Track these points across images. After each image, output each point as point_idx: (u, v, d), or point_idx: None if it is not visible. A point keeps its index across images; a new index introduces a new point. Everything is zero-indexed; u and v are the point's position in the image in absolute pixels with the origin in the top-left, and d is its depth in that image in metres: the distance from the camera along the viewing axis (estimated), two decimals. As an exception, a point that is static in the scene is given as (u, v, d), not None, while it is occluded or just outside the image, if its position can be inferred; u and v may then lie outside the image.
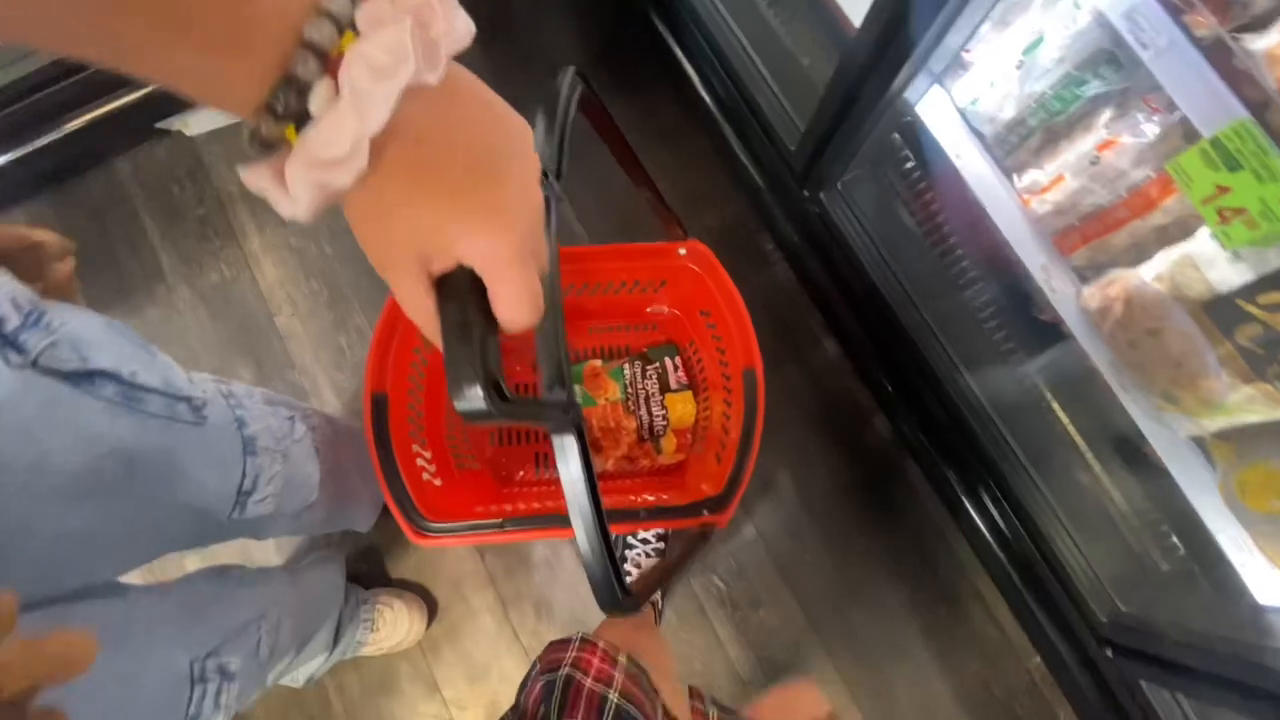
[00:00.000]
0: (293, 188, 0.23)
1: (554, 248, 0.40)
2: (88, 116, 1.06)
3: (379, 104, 0.22)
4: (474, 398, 0.28)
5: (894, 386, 1.09)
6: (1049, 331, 0.91)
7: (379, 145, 0.23)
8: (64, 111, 1.06)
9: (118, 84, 1.06)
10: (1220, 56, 0.59)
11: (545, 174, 0.43)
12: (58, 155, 1.09)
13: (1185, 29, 0.60)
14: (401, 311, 0.81)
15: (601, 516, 0.38)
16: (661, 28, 1.21)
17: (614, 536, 1.10)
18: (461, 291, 0.29)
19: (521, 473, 0.99)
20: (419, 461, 0.80)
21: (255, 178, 0.24)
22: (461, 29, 0.25)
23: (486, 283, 0.29)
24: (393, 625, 1.03)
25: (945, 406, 0.99)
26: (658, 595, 1.07)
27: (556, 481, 0.95)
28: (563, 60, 1.44)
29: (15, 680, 0.23)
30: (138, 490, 0.50)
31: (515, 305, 0.28)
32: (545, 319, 0.34)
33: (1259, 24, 0.57)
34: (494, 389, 0.29)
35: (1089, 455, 0.98)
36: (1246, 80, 0.58)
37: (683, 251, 0.87)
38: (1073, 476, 0.97)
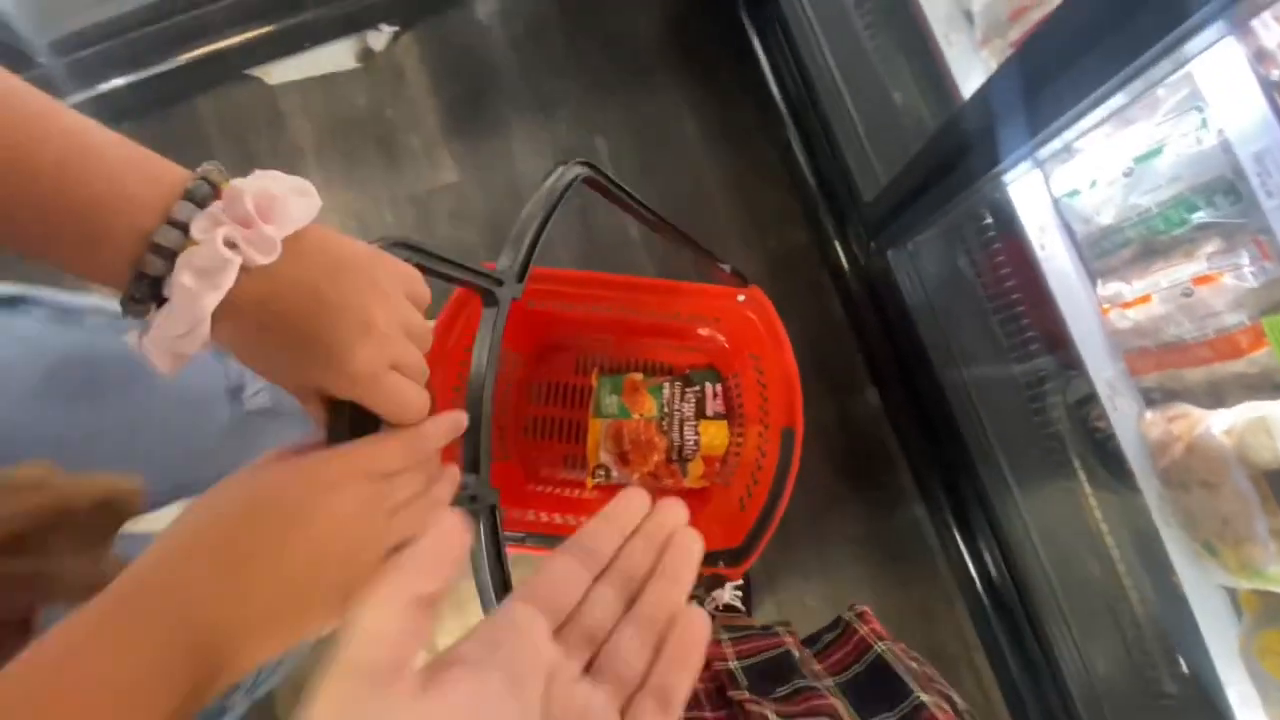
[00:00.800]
0: (150, 354, 0.28)
1: (495, 347, 0.41)
2: (188, 56, 1.09)
3: (207, 295, 0.27)
4: None
5: (926, 450, 1.07)
6: (1101, 442, 0.88)
7: (222, 314, 0.27)
8: (172, 45, 1.08)
9: (216, 29, 1.07)
10: (1353, 224, 0.54)
11: (498, 279, 0.43)
12: (150, 90, 1.12)
13: (1321, 187, 0.54)
14: (463, 306, 0.83)
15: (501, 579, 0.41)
16: (749, 28, 1.15)
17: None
18: (341, 404, 0.32)
19: (547, 469, 1.01)
20: None
21: (132, 340, 0.29)
22: (298, 214, 0.29)
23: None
24: None
25: (973, 482, 0.97)
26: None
27: (578, 487, 0.98)
28: (646, 49, 1.40)
29: None
30: (115, 391, 0.53)
31: (391, 412, 0.32)
32: (470, 404, 0.37)
33: None
34: None
35: (1115, 554, 0.95)
36: (1377, 257, 0.53)
37: (742, 298, 0.85)
38: (1087, 569, 0.95)
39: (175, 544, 0.27)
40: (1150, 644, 0.93)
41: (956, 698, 0.43)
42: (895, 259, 0.94)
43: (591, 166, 0.52)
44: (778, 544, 1.16)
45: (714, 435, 0.97)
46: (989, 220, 0.93)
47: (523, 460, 0.99)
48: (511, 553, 0.93)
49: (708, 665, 0.49)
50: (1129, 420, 0.77)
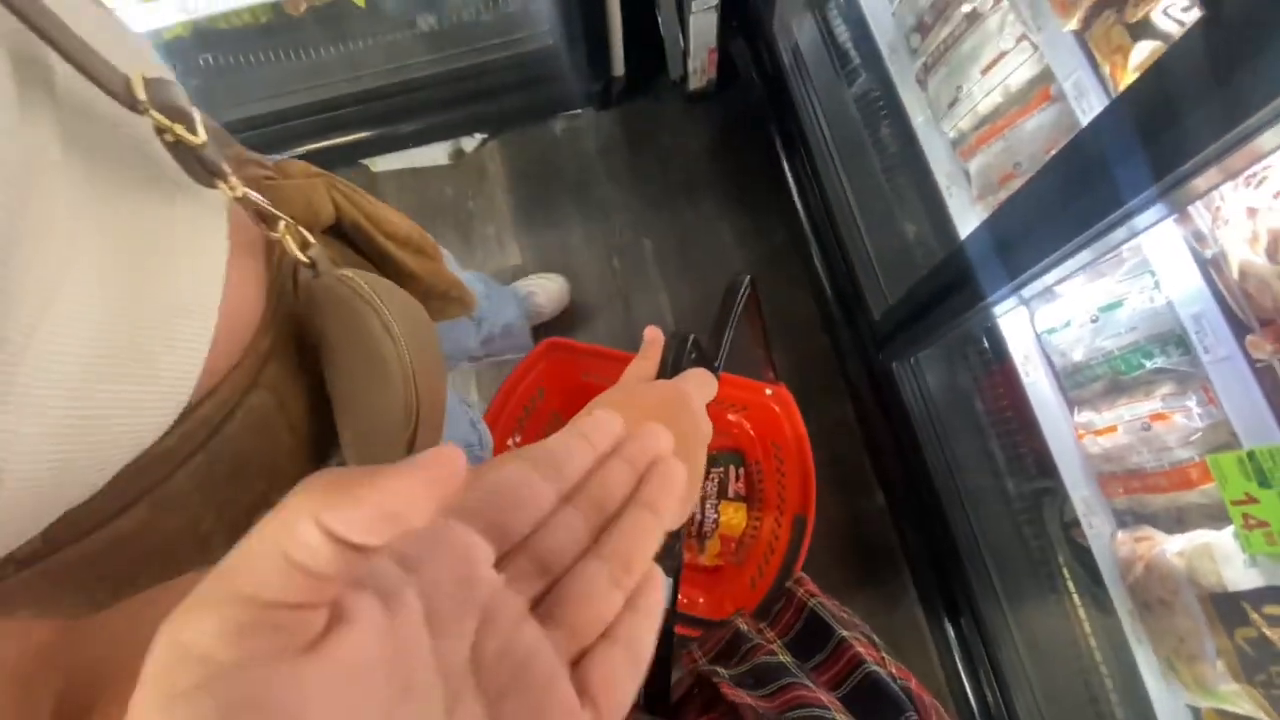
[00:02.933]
0: None
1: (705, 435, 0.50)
2: (315, 146, 1.31)
3: None
4: None
5: (924, 554, 1.13)
6: (1082, 551, 0.94)
7: None
8: (299, 139, 1.31)
9: (340, 126, 1.30)
10: (1270, 382, 0.63)
11: (715, 368, 0.54)
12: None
13: (1243, 348, 0.64)
14: (529, 370, 0.97)
15: (670, 647, 0.46)
16: (781, 155, 1.33)
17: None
18: None
19: None
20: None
21: None
22: None
23: None
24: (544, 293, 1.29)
25: (965, 590, 1.03)
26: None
27: None
28: (693, 168, 1.59)
29: None
30: None
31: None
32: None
33: (1316, 365, 0.61)
34: None
35: (1103, 670, 0.98)
36: (1292, 412, 0.62)
37: (769, 392, 0.97)
38: (1075, 683, 0.98)
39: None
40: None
41: (877, 639, 0.50)
42: (899, 371, 1.05)
43: (753, 282, 0.64)
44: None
45: (733, 516, 1.05)
46: (986, 345, 1.04)
47: None
48: None
49: (683, 666, 0.57)
50: (1104, 538, 0.84)
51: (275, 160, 0.42)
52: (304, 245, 0.34)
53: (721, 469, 1.08)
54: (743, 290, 0.60)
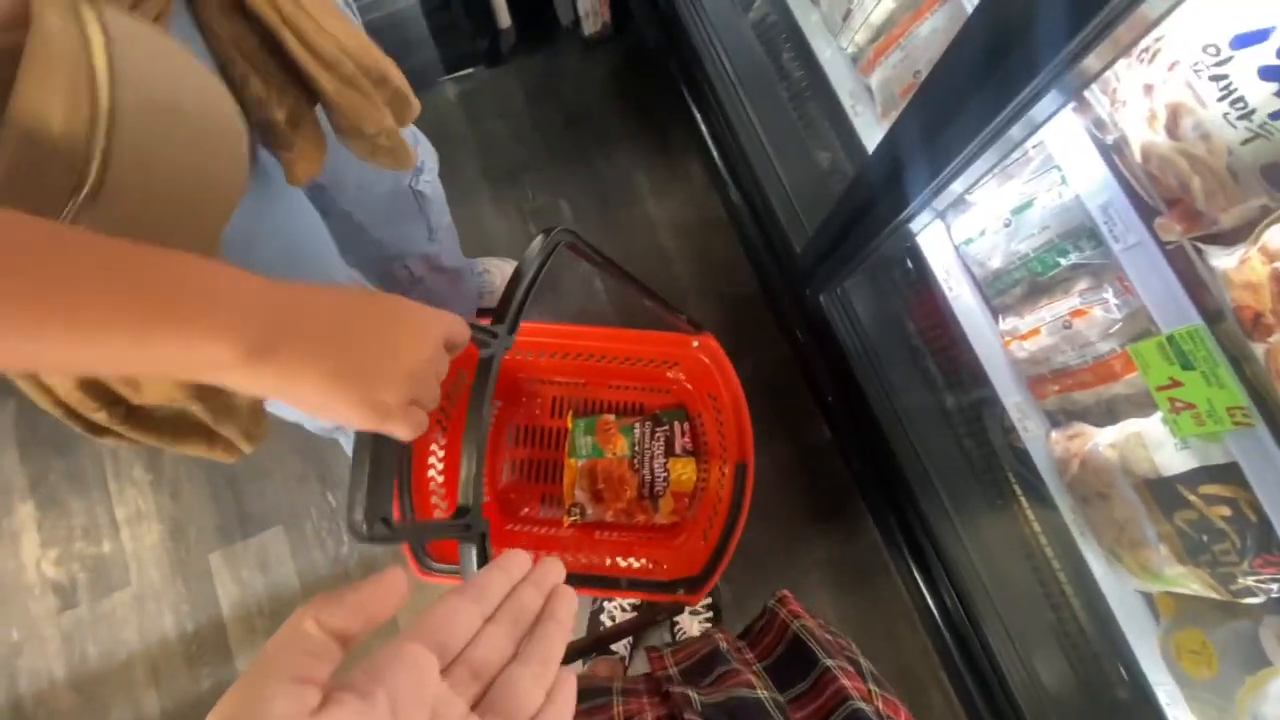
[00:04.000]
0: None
1: (490, 389, 0.48)
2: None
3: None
4: (357, 528, 0.39)
5: (873, 479, 1.13)
6: (1022, 454, 0.95)
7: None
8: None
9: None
10: (1183, 263, 0.62)
11: (493, 332, 0.50)
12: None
13: (1152, 232, 0.63)
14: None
15: None
16: (688, 98, 1.27)
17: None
18: (365, 434, 0.39)
19: (526, 509, 1.06)
20: (430, 488, 0.89)
21: None
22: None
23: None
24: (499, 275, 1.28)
25: (915, 509, 1.03)
26: (625, 648, 1.14)
27: (554, 526, 1.03)
28: (600, 120, 1.53)
29: None
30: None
31: (399, 432, 0.40)
32: (467, 442, 0.43)
33: (1223, 240, 0.60)
34: (381, 521, 0.40)
35: (1055, 565, 1.00)
36: (1204, 290, 0.62)
37: (695, 344, 0.93)
38: (1030, 584, 1.00)
39: (322, 288, 0.36)
40: (1097, 653, 0.98)
41: (864, 662, 0.48)
42: (827, 303, 1.03)
43: (573, 233, 0.60)
44: (751, 574, 1.22)
45: (682, 471, 1.03)
46: (909, 265, 1.02)
47: (501, 501, 1.05)
48: None
49: (650, 675, 0.54)
50: (1039, 440, 0.84)
51: None
52: None
53: (667, 426, 1.05)
54: (551, 243, 0.55)
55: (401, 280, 1.02)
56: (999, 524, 1.01)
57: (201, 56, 0.43)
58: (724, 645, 0.52)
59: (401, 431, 0.40)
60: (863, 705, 0.41)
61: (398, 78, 0.49)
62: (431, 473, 0.90)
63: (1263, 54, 0.50)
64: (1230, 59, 0.51)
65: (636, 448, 1.03)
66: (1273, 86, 0.50)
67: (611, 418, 1.06)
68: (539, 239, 0.56)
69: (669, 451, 1.03)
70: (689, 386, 1.05)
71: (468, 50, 1.34)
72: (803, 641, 0.49)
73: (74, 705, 1.22)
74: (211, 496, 1.27)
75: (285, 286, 0.35)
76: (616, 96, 1.44)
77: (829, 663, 0.45)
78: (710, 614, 1.18)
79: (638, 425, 1.05)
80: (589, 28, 1.40)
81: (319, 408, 0.37)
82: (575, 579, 0.79)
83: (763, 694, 0.44)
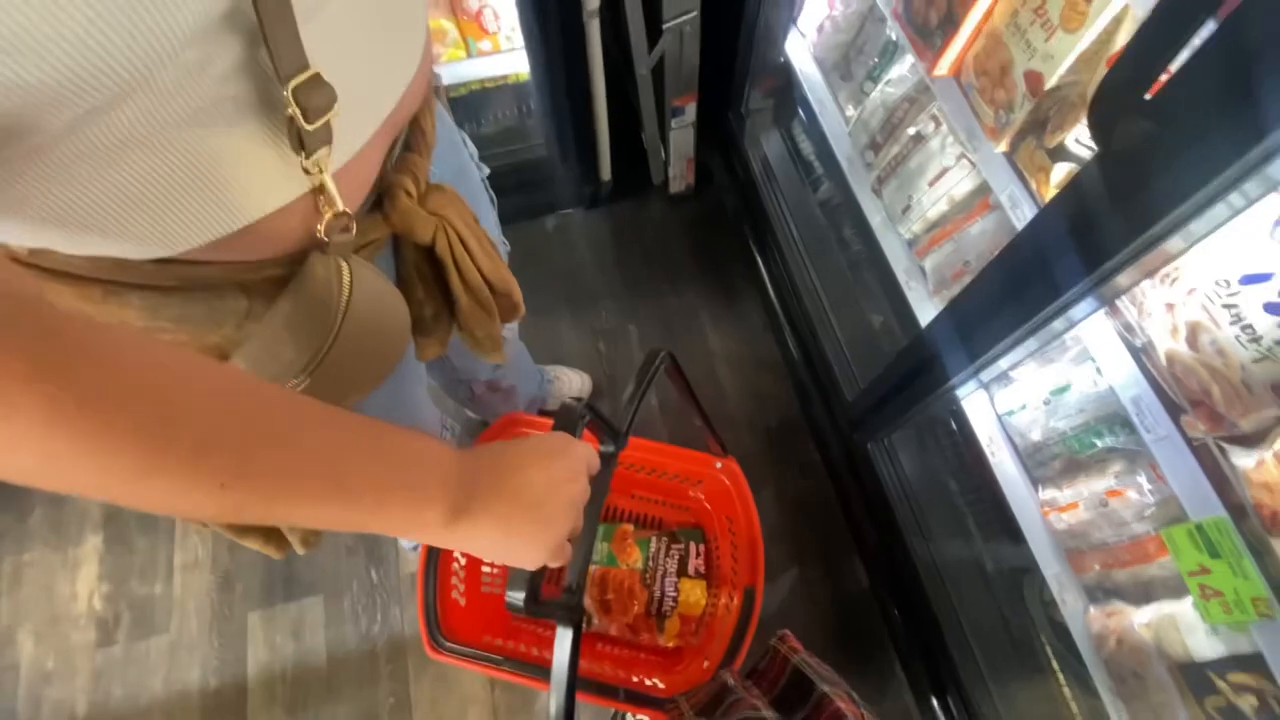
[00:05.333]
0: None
1: (603, 494, 0.56)
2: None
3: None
4: (516, 599, 0.47)
5: (908, 632, 1.14)
6: (1061, 629, 0.96)
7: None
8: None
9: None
10: (1208, 459, 0.69)
11: (614, 438, 0.59)
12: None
13: (1179, 427, 0.71)
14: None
15: (573, 693, 0.51)
16: (754, 250, 1.44)
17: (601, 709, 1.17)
18: None
19: None
20: (453, 579, 0.93)
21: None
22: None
23: None
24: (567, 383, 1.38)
25: (949, 664, 1.03)
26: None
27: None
28: (675, 260, 1.70)
29: None
30: None
31: (559, 562, 0.47)
32: (579, 545, 0.50)
33: (1245, 442, 0.68)
34: (533, 597, 0.48)
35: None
36: (1228, 485, 0.68)
37: (719, 465, 1.00)
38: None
39: (483, 449, 0.43)
40: None
41: (856, 696, 0.51)
42: (874, 451, 1.10)
43: (672, 356, 0.70)
44: None
45: (693, 594, 1.04)
46: (954, 427, 1.10)
47: None
48: (489, 674, 1.00)
49: None
50: (1078, 615, 0.86)
51: (435, 186, 0.55)
52: (337, 230, 0.44)
53: (682, 545, 1.08)
54: (658, 362, 0.65)
55: (462, 398, 1.15)
56: (1035, 698, 1.00)
57: (389, 270, 0.59)
58: (731, 681, 0.56)
59: (560, 561, 0.47)
60: None
61: (517, 293, 0.65)
62: (455, 564, 0.95)
63: (1266, 292, 0.60)
64: (1239, 293, 0.62)
65: (650, 562, 1.05)
66: (1276, 319, 0.59)
67: (630, 527, 1.08)
68: (657, 354, 0.66)
69: (682, 571, 1.05)
70: (708, 507, 1.09)
71: (574, 194, 1.56)
72: (803, 673, 0.54)
73: (82, 747, 1.22)
74: (265, 556, 1.33)
75: (470, 453, 0.42)
76: (692, 244, 1.63)
77: (826, 689, 0.50)
78: None
79: (654, 539, 1.07)
80: (675, 187, 1.62)
81: (500, 557, 0.44)
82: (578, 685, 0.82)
83: (767, 714, 0.48)
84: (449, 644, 0.85)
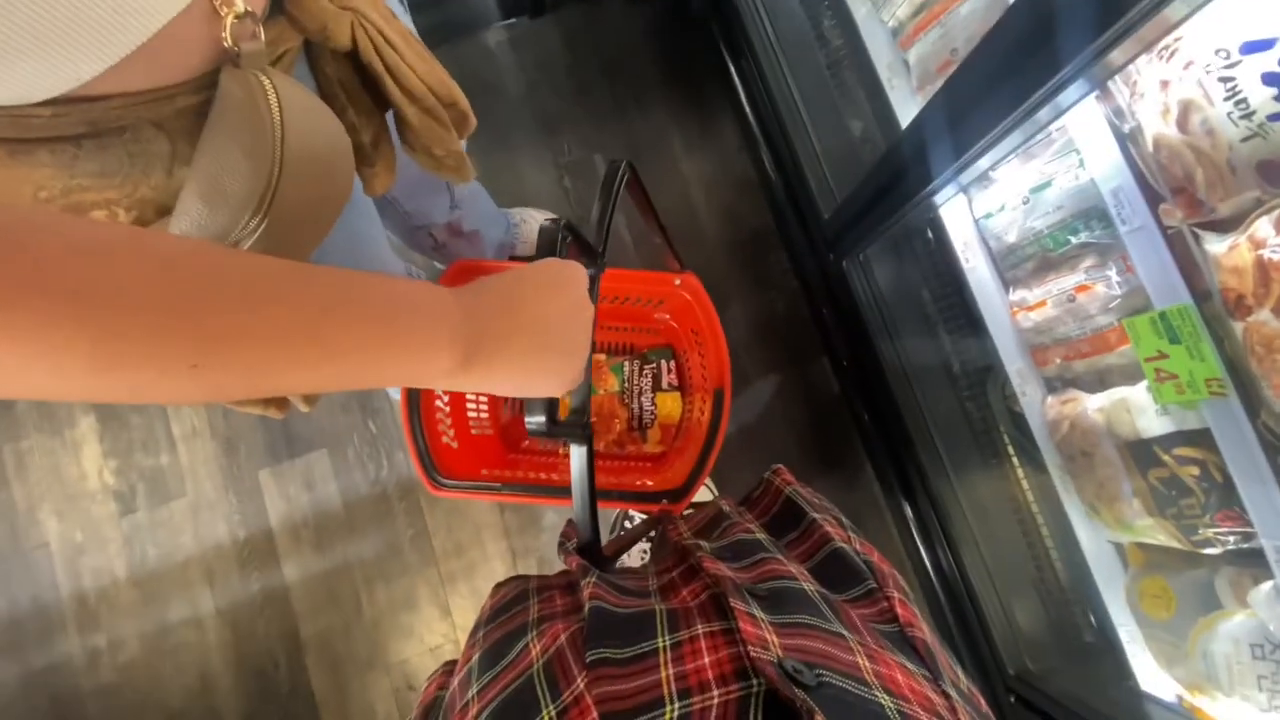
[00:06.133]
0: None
1: (594, 311, 0.55)
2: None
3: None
4: (539, 424, 0.48)
5: (876, 433, 1.22)
6: (1019, 419, 1.03)
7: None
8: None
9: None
10: (1180, 247, 0.69)
11: (597, 251, 0.58)
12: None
13: (1156, 217, 0.69)
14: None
15: (594, 499, 0.55)
16: (727, 58, 1.30)
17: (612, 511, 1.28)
18: None
19: (526, 442, 1.15)
20: (440, 426, 0.97)
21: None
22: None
23: None
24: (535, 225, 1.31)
25: (915, 463, 1.12)
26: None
27: (552, 453, 1.12)
28: (638, 75, 1.56)
29: None
30: None
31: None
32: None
33: (1219, 228, 0.67)
34: (553, 420, 0.49)
35: (1039, 520, 1.10)
36: (1196, 272, 0.68)
37: (677, 282, 0.99)
38: (1016, 538, 1.10)
39: (484, 286, 0.42)
40: (1070, 600, 1.08)
41: (845, 519, 0.57)
42: (849, 268, 1.09)
43: (633, 167, 0.66)
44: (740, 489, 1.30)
45: (669, 405, 1.11)
46: (930, 236, 1.08)
47: (505, 435, 1.13)
48: (490, 499, 1.07)
49: (668, 540, 0.63)
50: (1035, 404, 0.92)
51: None
52: (245, 36, 0.39)
53: (654, 364, 1.12)
54: (620, 175, 0.61)
55: (425, 247, 1.09)
56: (992, 481, 1.10)
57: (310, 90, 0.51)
58: (727, 508, 0.61)
59: (574, 386, 0.47)
60: (843, 545, 0.50)
61: (463, 101, 0.55)
62: (439, 413, 0.98)
63: (1267, 61, 0.55)
64: (1238, 63, 0.57)
65: (626, 384, 1.11)
66: (1273, 91, 0.55)
67: (602, 357, 1.13)
68: (614, 171, 0.62)
69: (656, 387, 1.11)
70: (674, 325, 1.11)
71: (512, 0, 1.37)
72: (794, 501, 0.58)
73: (134, 600, 1.35)
74: (260, 419, 1.37)
75: (469, 291, 0.40)
76: (656, 52, 1.46)
77: (816, 516, 0.54)
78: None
79: (626, 363, 1.12)
80: (632, -18, 1.42)
81: (519, 391, 0.43)
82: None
83: (760, 536, 0.53)
84: (449, 481, 0.90)
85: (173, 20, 0.35)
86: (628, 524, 1.26)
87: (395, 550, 1.32)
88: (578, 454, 0.53)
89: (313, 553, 1.33)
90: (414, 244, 1.09)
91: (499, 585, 0.62)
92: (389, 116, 0.56)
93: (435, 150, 0.56)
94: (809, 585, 0.44)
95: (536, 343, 0.42)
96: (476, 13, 1.40)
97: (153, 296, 0.26)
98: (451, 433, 0.98)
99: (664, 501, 0.88)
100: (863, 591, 0.45)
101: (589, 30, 1.46)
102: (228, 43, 0.38)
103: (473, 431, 1.06)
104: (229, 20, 0.38)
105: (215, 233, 0.40)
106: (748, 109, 1.29)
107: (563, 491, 0.89)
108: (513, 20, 1.45)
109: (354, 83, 0.51)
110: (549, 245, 0.50)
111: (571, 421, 0.52)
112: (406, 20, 0.70)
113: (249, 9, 0.38)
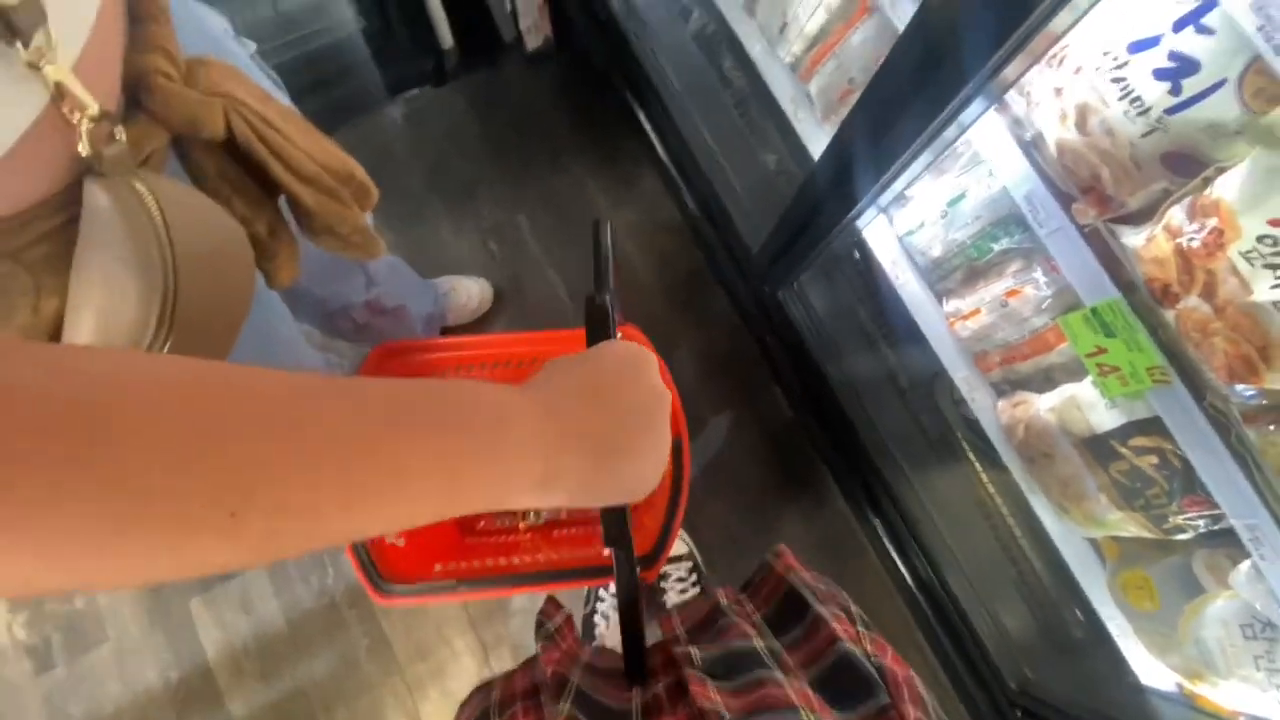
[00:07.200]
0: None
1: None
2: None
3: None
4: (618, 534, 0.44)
5: (836, 455, 1.20)
6: (974, 423, 1.02)
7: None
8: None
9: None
10: (1099, 243, 0.70)
11: (609, 289, 0.53)
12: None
13: (1070, 217, 0.70)
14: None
15: (641, 619, 0.48)
16: (635, 107, 1.31)
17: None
18: None
19: (482, 523, 1.07)
20: None
21: None
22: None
23: None
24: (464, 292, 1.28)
25: (875, 472, 1.10)
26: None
27: (512, 530, 1.05)
28: (550, 133, 1.54)
29: None
30: None
31: None
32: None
33: (1133, 221, 0.68)
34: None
35: (1010, 522, 1.09)
36: (1119, 265, 0.69)
37: (619, 336, 0.95)
38: (989, 542, 1.09)
39: (552, 376, 0.36)
40: (1054, 599, 1.07)
41: (855, 609, 0.52)
42: (786, 297, 1.09)
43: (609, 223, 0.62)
44: (729, 553, 1.26)
45: None
46: (858, 257, 1.09)
47: (458, 520, 1.05)
48: (446, 600, 0.98)
49: (662, 640, 0.57)
50: (988, 410, 0.92)
51: (197, 59, 0.42)
52: (103, 139, 0.34)
53: None
54: (607, 233, 0.58)
55: (346, 331, 1.02)
56: (957, 487, 1.09)
57: None
58: (725, 601, 0.56)
59: None
60: (852, 647, 0.45)
61: (360, 172, 0.51)
62: None
63: (1156, 58, 0.57)
64: (1127, 63, 0.58)
65: None
66: (1166, 85, 0.57)
67: None
68: (603, 227, 0.58)
69: None
70: None
71: (412, 71, 1.34)
72: (797, 592, 0.53)
73: (59, 769, 1.18)
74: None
75: (535, 385, 0.35)
76: (564, 109, 1.46)
77: (821, 610, 0.49)
78: (696, 584, 1.22)
79: None
80: (531, 43, 1.42)
81: (604, 499, 0.37)
82: (541, 576, 0.81)
83: (758, 643, 0.47)
84: (396, 587, 0.82)
85: (19, 137, 0.30)
86: (603, 593, 1.19)
87: (352, 665, 1.21)
88: (619, 563, 0.46)
89: (259, 683, 1.20)
90: (333, 330, 1.02)
91: (462, 706, 0.55)
92: (282, 202, 0.51)
93: (338, 229, 0.51)
94: (808, 717, 0.39)
95: (635, 429, 0.36)
96: (367, 90, 1.36)
97: (168, 431, 0.20)
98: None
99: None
100: (875, 709, 0.41)
101: (494, 94, 1.45)
102: (85, 151, 0.34)
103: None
104: (83, 125, 0.33)
105: None
106: (663, 154, 1.29)
107: (526, 579, 0.82)
108: (415, 91, 1.42)
109: (236, 173, 0.46)
110: (602, 324, 0.44)
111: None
112: (284, 99, 0.65)
113: (104, 110, 0.34)
